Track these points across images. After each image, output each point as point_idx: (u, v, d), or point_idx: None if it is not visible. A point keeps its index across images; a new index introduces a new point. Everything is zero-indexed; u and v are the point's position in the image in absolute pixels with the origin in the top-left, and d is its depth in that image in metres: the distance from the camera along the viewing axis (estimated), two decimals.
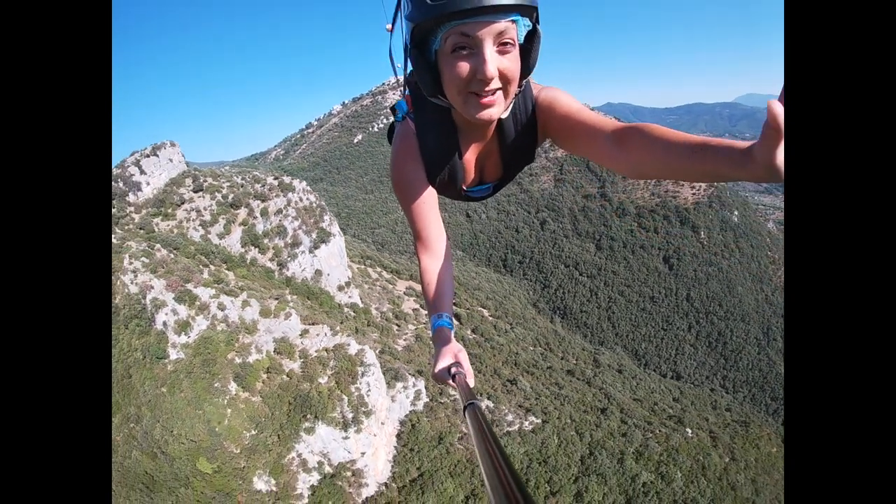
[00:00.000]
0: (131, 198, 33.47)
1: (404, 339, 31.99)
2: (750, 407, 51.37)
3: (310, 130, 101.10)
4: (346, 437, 17.90)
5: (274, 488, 16.91)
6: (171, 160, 36.35)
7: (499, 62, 1.14)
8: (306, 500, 17.25)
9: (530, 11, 1.16)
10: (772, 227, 72.33)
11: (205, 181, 34.23)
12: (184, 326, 18.61)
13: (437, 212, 1.49)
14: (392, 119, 1.66)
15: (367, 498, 18.26)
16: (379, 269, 42.38)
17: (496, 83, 1.17)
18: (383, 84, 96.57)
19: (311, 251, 30.41)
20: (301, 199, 32.52)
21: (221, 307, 19.88)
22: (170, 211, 32.20)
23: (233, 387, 17.93)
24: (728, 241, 64.02)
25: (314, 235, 31.02)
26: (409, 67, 1.28)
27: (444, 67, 1.18)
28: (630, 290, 58.31)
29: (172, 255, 23.66)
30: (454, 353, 1.23)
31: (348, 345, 20.42)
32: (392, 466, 19.87)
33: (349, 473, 18.16)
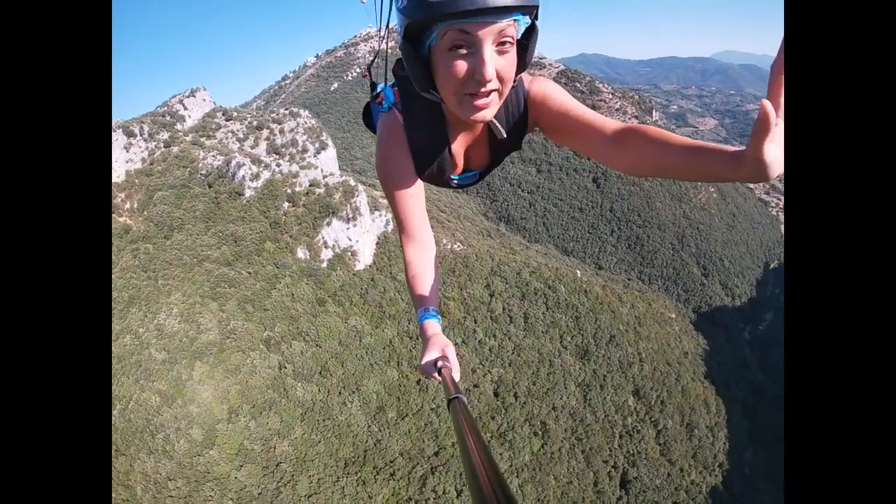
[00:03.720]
0: (178, 126, 48.33)
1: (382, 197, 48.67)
2: (665, 297, 68.38)
3: (286, 82, 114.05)
4: (348, 228, 34.85)
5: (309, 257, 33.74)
6: (204, 100, 51.16)
7: (496, 63, 1.16)
8: (325, 264, 34.11)
9: (532, 10, 1.17)
10: None
11: (231, 114, 49.42)
12: (256, 175, 35.09)
13: (423, 204, 1.53)
14: (367, 101, 1.78)
15: (360, 269, 35.28)
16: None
17: (493, 84, 1.18)
18: (355, 36, 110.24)
19: (314, 156, 46.26)
20: (306, 122, 48.12)
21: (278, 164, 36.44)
22: (211, 133, 47.30)
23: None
24: (661, 180, 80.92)
25: (317, 145, 46.80)
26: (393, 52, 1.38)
27: (440, 65, 1.18)
28: (563, 202, 75.53)
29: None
30: (441, 347, 1.27)
31: (349, 181, 37.18)
32: (374, 257, 37.06)
33: (350, 253, 35.22)
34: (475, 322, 37.93)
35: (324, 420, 27.29)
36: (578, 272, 50.64)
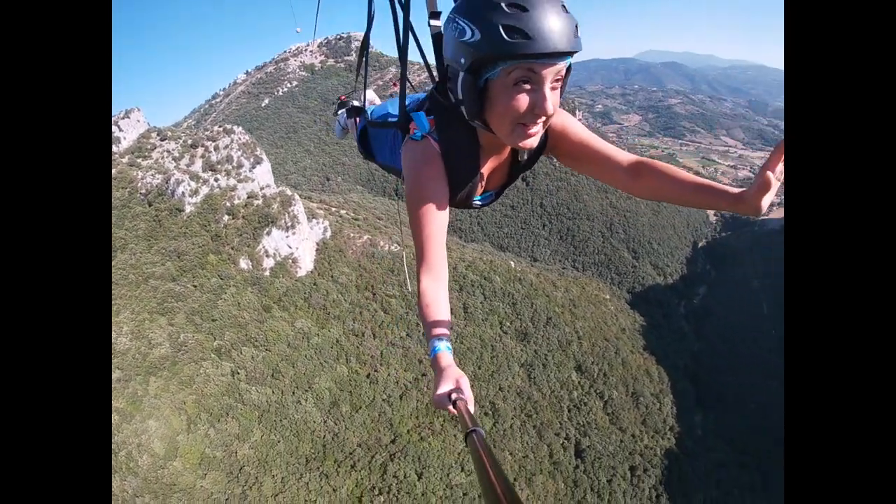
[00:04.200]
0: (115, 148, 47.49)
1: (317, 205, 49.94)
2: (599, 281, 72.52)
3: (217, 100, 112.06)
4: (287, 237, 36.23)
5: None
6: (138, 121, 50.57)
7: (552, 98, 1.30)
8: (268, 272, 35.27)
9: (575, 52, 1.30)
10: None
11: (166, 134, 49.18)
12: (195, 191, 35.68)
13: (444, 234, 1.54)
14: (361, 125, 1.92)
15: (301, 275, 36.70)
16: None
17: (546, 117, 1.32)
18: (285, 52, 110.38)
19: (250, 170, 46.96)
20: (240, 138, 48.68)
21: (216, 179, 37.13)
22: (147, 153, 46.89)
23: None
24: None
25: (252, 160, 47.49)
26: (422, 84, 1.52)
27: (500, 97, 1.30)
28: (494, 203, 79.43)
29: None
30: (455, 379, 1.24)
31: (286, 191, 38.50)
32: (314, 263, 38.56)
33: (290, 261, 36.61)
34: (417, 316, 39.99)
35: (281, 420, 28.45)
36: (512, 263, 53.94)
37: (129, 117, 48.66)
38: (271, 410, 28.39)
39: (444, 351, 1.35)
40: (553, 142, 1.61)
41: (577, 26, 1.24)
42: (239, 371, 28.97)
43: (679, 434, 45.61)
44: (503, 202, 78.22)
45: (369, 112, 2.35)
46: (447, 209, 1.56)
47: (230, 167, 46.77)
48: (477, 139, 1.53)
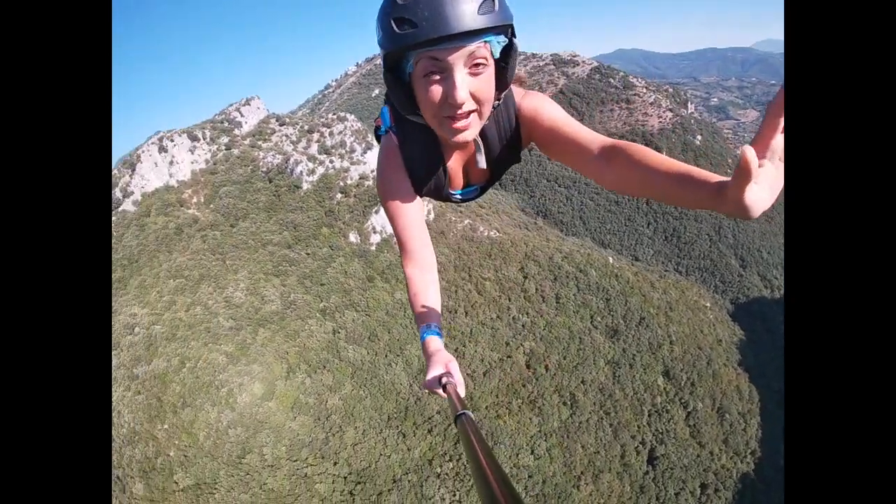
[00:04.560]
0: (237, 131, 54.10)
1: None
2: (701, 287, 68.82)
3: (329, 90, 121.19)
4: None
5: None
6: (258, 108, 56.94)
7: (470, 84, 1.20)
8: (374, 247, 38.25)
9: (504, 28, 1.21)
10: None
11: (284, 120, 54.88)
12: (312, 171, 39.73)
13: (423, 224, 1.58)
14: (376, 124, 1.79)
15: None
16: None
17: (469, 105, 1.23)
18: None
19: (362, 154, 50.90)
20: (352, 125, 52.88)
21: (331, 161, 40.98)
22: (266, 137, 52.78)
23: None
24: (688, 160, 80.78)
25: (363, 145, 51.41)
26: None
27: (417, 91, 1.25)
28: (599, 196, 77.20)
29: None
30: (445, 363, 1.26)
31: None
32: None
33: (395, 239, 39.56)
34: (509, 300, 41.15)
35: (371, 378, 31.29)
36: (611, 259, 52.87)
37: (249, 104, 54.99)
38: (364, 368, 31.31)
39: (434, 337, 1.38)
40: (527, 129, 1.50)
41: (489, 1, 1.15)
42: (339, 331, 32.25)
43: (760, 460, 42.51)
44: (607, 196, 76.28)
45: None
46: (416, 200, 1.57)
47: (343, 151, 51.14)
48: (433, 133, 1.43)
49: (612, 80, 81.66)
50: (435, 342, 1.37)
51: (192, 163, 42.75)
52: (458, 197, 1.71)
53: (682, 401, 43.01)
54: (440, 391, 1.20)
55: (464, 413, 0.91)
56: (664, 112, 77.93)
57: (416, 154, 1.51)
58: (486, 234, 46.00)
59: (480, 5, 1.13)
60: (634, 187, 1.20)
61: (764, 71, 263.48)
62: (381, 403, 31.02)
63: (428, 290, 1.51)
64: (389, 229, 40.26)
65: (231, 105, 57.69)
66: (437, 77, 1.19)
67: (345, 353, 31.53)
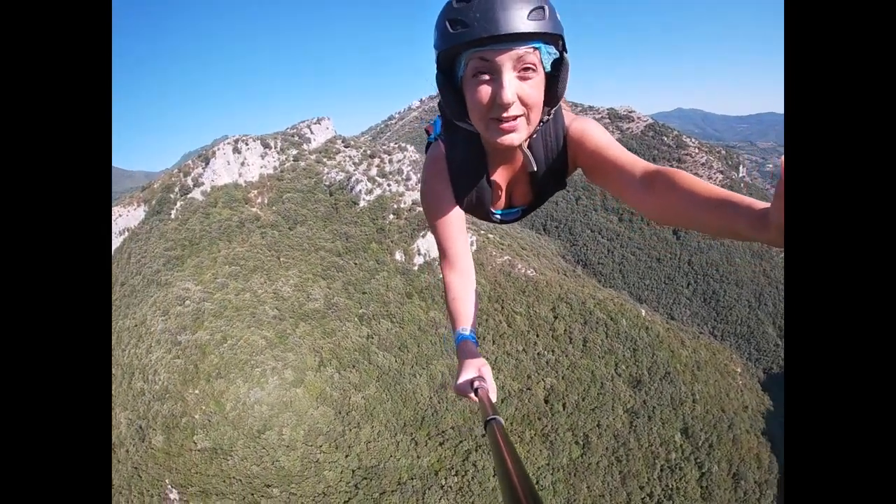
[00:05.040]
0: (305, 146, 59.58)
1: None
2: (734, 352, 67.13)
3: (392, 121, 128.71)
4: None
5: None
6: (327, 128, 62.65)
7: (518, 88, 1.21)
8: (416, 267, 41.31)
9: (554, 39, 1.24)
10: None
11: (349, 142, 60.18)
12: (370, 191, 43.81)
13: (464, 231, 1.59)
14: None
15: None
16: None
17: (516, 109, 1.23)
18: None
19: (416, 184, 54.89)
20: (411, 155, 57.39)
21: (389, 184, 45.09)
22: (331, 155, 57.92)
23: None
24: None
25: (419, 175, 55.56)
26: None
27: (467, 93, 1.27)
28: (641, 251, 77.87)
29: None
30: (478, 367, 1.27)
31: None
32: None
33: (437, 262, 42.57)
34: (537, 336, 42.96)
35: (395, 384, 33.83)
36: (643, 311, 53.74)
37: (319, 123, 60.75)
38: (390, 374, 33.95)
39: (469, 340, 1.40)
40: (573, 153, 1.48)
41: (540, 8, 1.19)
42: (373, 336, 35.23)
43: None
44: (650, 253, 76.81)
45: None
46: (458, 208, 1.57)
47: (400, 178, 55.48)
48: (480, 143, 1.46)
49: (665, 139, 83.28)
50: (469, 346, 1.38)
51: (262, 167, 47.90)
52: (499, 217, 1.68)
53: (698, 461, 42.43)
54: (472, 395, 1.20)
55: (494, 418, 0.91)
56: (715, 174, 78.51)
57: (461, 163, 1.52)
58: (523, 271, 48.28)
59: (531, 11, 1.17)
60: (675, 215, 1.13)
61: None
62: (401, 409, 33.35)
63: (466, 296, 1.53)
64: (434, 253, 43.21)
65: (303, 121, 63.78)
66: (486, 78, 1.21)
67: (375, 357, 34.32)
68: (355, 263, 39.14)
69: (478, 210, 1.61)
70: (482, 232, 54.27)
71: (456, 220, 1.56)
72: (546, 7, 1.20)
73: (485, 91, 1.22)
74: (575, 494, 36.21)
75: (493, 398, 1.16)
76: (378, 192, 44.98)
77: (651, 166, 1.26)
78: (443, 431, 33.68)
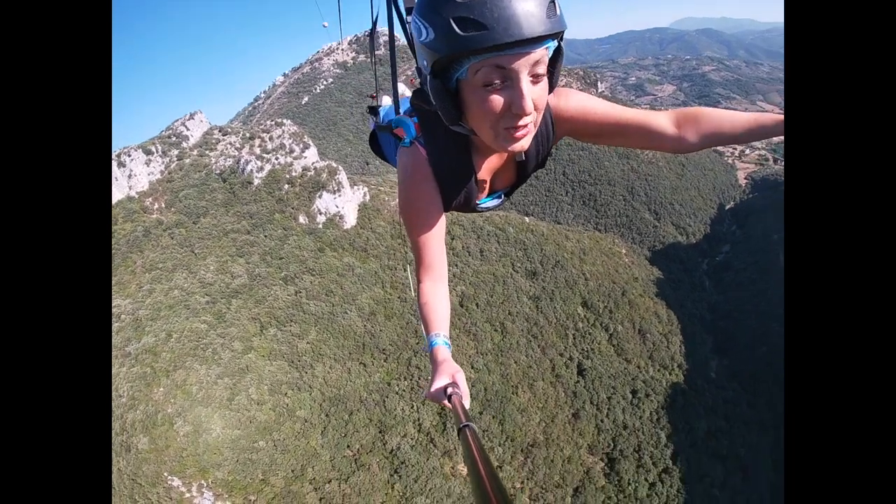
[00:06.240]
0: (185, 144, 59.99)
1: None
2: (617, 238, 75.94)
3: (259, 102, 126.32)
4: (335, 199, 46.94)
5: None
6: (201, 121, 63.22)
7: (532, 93, 1.16)
8: (321, 226, 45.97)
9: (561, 34, 1.18)
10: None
11: (227, 130, 61.50)
12: (260, 168, 47.15)
13: (443, 238, 1.58)
14: (372, 128, 1.85)
15: (347, 228, 47.30)
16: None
17: (531, 116, 1.20)
18: (318, 52, 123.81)
19: (301, 153, 58.26)
20: (289, 129, 60.23)
21: (276, 158, 48.46)
22: (212, 147, 59.09)
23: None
24: None
25: (301, 146, 58.88)
26: (410, 85, 1.42)
27: (473, 100, 1.18)
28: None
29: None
30: (451, 374, 1.26)
31: (332, 164, 49.29)
32: (357, 219, 49.05)
33: (338, 217, 47.26)
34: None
35: (331, 325, 39.03)
36: (526, 218, 62.48)
37: (193, 118, 61.47)
38: (324, 318, 39.06)
39: (442, 346, 1.40)
40: (570, 126, 1.51)
41: (553, 3, 1.10)
42: (300, 291, 39.88)
43: (688, 371, 47.51)
44: None
45: (382, 114, 2.33)
46: (441, 215, 1.54)
47: (284, 152, 58.38)
48: (466, 142, 1.43)
49: None
50: (443, 351, 1.38)
51: (150, 174, 48.90)
52: (485, 206, 1.70)
53: (603, 324, 49.19)
54: (446, 402, 1.19)
55: (467, 425, 0.92)
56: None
57: (448, 166, 1.48)
58: None
59: (547, 8, 1.09)
60: (718, 142, 1.45)
61: (681, 48, 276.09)
62: (342, 342, 38.73)
63: (438, 301, 1.54)
64: (332, 210, 47.91)
65: (177, 120, 63.54)
66: (500, 85, 1.14)
67: (307, 307, 39.13)
68: (265, 235, 42.83)
69: (464, 206, 1.62)
70: (372, 185, 59.30)
71: (439, 227, 1.55)
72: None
73: (497, 101, 1.16)
74: (506, 370, 43.99)
75: (467, 405, 1.17)
76: (268, 167, 48.29)
77: (669, 114, 1.46)
78: (383, 350, 39.66)
